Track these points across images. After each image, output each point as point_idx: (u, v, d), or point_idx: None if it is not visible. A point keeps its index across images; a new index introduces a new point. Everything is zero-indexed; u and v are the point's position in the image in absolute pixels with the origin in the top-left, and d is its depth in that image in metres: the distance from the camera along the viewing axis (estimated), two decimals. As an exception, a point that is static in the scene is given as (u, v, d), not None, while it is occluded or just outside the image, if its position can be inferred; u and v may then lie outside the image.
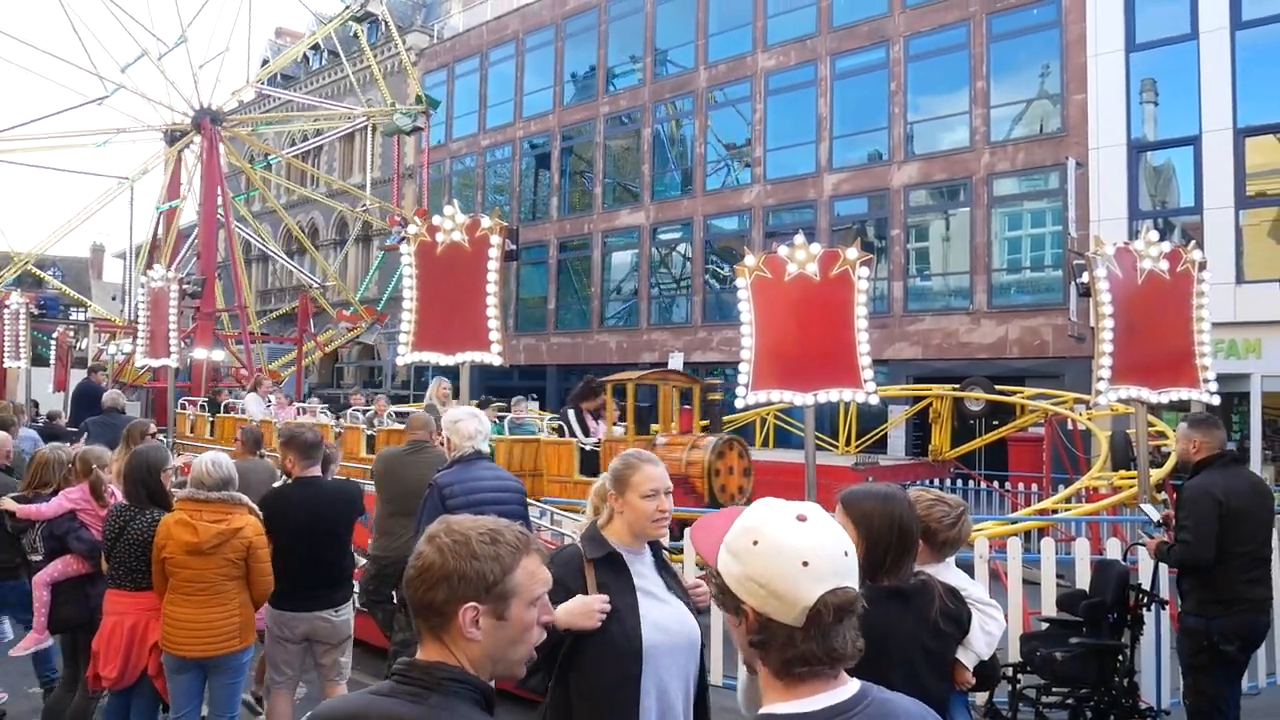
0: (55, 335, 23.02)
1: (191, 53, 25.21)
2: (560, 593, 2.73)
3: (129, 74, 25.05)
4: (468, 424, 4.98)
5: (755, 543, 1.52)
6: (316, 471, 5.39)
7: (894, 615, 2.62)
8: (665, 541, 3.08)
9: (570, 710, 2.87)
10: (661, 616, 2.94)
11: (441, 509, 4.64)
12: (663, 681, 2.88)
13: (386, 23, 28.90)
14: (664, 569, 3.09)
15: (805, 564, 1.49)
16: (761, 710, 1.54)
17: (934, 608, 2.71)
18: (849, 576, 1.52)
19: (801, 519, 1.54)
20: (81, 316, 29.51)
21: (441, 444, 6.31)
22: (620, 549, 3.02)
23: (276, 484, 5.78)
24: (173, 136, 25.46)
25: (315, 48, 36.38)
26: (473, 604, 1.63)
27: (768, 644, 1.51)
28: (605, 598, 2.85)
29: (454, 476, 4.84)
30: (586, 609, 2.79)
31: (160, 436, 9.60)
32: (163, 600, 4.61)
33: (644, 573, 3.03)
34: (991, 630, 3.06)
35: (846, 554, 1.53)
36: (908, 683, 2.49)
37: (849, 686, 1.55)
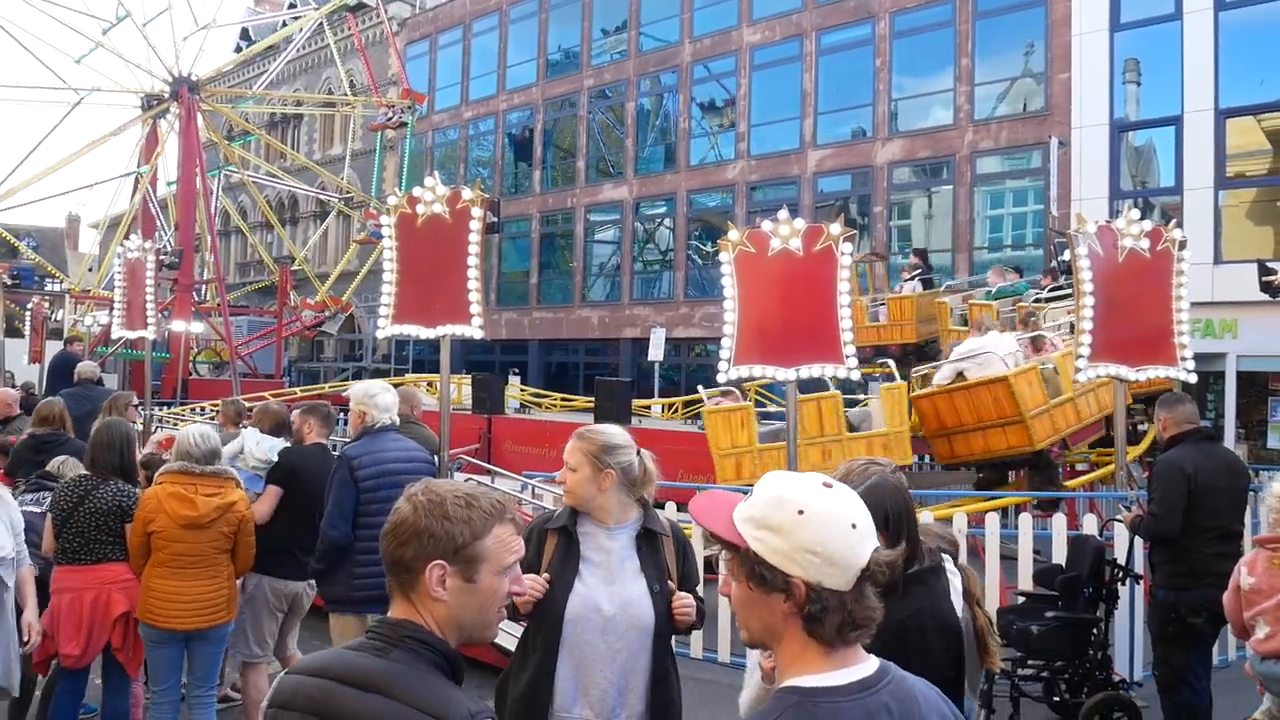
0: (30, 306, 22.74)
1: (135, 21, 24.77)
2: None
3: (90, 63, 24.71)
4: (384, 397, 5.01)
5: (800, 513, 1.50)
6: (325, 442, 5.50)
7: (943, 594, 2.63)
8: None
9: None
10: (600, 595, 2.92)
11: (350, 480, 4.66)
12: (585, 659, 2.88)
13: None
14: (648, 550, 3.03)
15: (854, 526, 1.50)
16: (788, 682, 1.51)
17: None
18: (876, 536, 1.55)
19: (828, 485, 1.55)
20: (57, 287, 29.14)
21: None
22: (588, 522, 3.02)
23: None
24: (157, 116, 25.18)
25: (295, 14, 35.89)
26: (440, 562, 1.65)
27: (824, 613, 1.49)
28: (535, 586, 2.89)
29: (362, 448, 4.84)
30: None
31: (139, 409, 9.52)
32: (141, 573, 4.57)
33: (609, 548, 2.99)
34: (956, 586, 3.09)
35: (870, 514, 1.57)
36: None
37: (871, 662, 1.55)
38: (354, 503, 4.66)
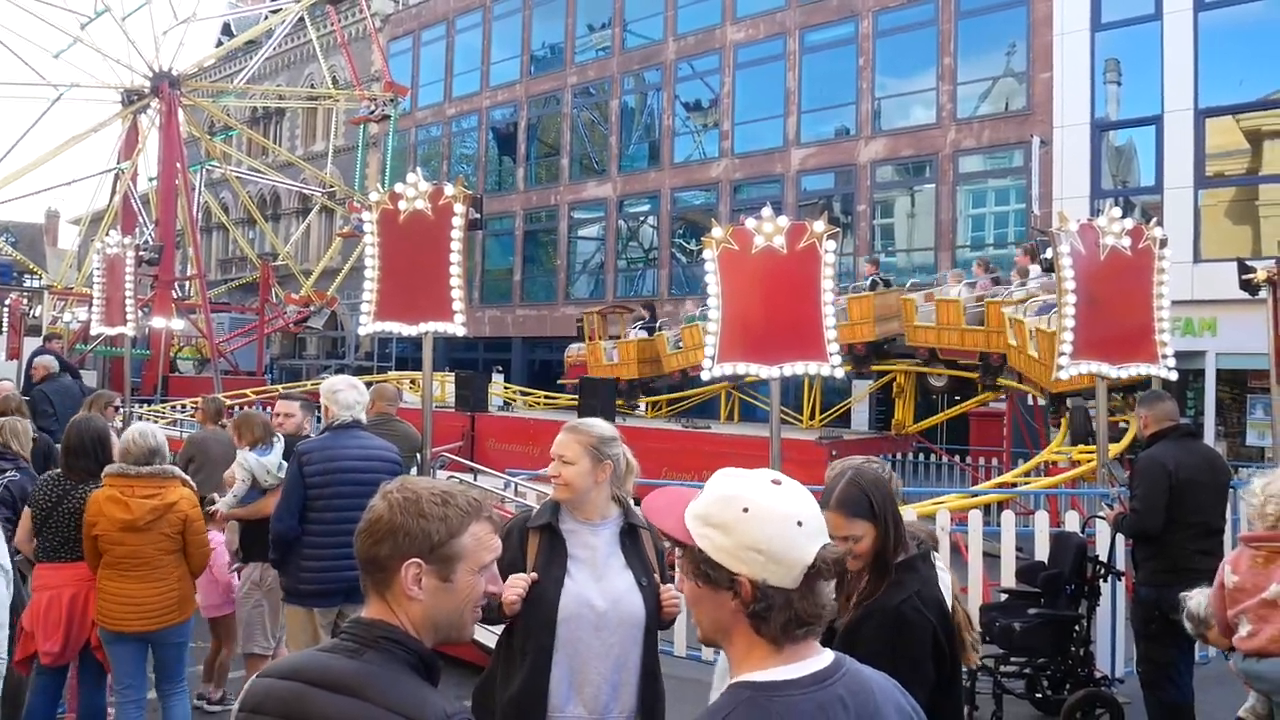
0: (8, 302, 22.51)
1: (114, 15, 24.53)
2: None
3: (69, 58, 24.60)
4: (347, 394, 4.95)
5: (745, 510, 1.50)
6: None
7: (934, 580, 2.64)
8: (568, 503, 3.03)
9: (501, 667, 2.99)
10: (591, 592, 2.90)
11: (299, 476, 4.63)
12: (578, 655, 2.86)
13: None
14: (631, 545, 3.03)
15: (799, 524, 1.50)
16: (741, 677, 1.52)
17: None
18: (826, 533, 1.56)
19: (776, 483, 1.55)
20: (35, 283, 28.87)
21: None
22: (571, 519, 3.00)
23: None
24: (138, 111, 25.01)
25: (276, 8, 35.67)
26: (415, 561, 1.63)
27: (769, 610, 1.49)
28: (522, 586, 2.86)
29: (317, 444, 4.81)
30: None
31: (119, 409, 9.39)
32: (95, 575, 4.48)
33: (594, 544, 2.98)
34: (946, 582, 3.07)
35: (821, 512, 1.57)
36: None
37: (825, 655, 1.55)
38: (302, 497, 4.63)
